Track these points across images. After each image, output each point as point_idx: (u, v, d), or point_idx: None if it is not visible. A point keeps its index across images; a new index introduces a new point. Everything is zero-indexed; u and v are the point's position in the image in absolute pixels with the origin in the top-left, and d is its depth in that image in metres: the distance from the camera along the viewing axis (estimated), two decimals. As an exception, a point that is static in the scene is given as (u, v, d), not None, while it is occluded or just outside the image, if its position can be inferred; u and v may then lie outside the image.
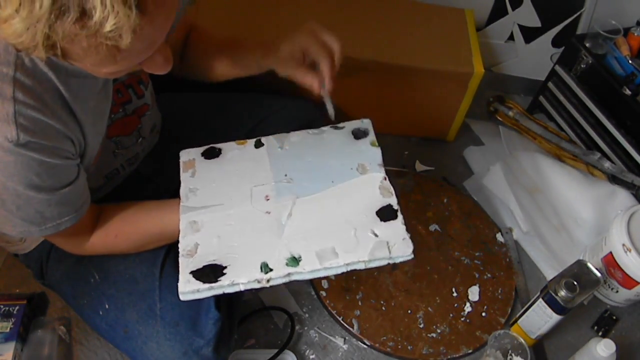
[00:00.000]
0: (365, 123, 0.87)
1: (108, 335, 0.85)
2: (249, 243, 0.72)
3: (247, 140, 0.85)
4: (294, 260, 0.70)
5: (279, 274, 0.69)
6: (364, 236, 0.72)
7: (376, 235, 0.72)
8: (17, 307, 0.95)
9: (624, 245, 1.04)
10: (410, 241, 0.72)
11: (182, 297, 0.68)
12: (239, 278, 0.68)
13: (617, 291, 1.12)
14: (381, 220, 0.74)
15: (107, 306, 0.82)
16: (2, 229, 0.68)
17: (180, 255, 0.71)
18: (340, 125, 0.87)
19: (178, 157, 0.85)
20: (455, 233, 1.26)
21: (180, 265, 0.70)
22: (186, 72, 0.94)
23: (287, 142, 0.84)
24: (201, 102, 1.08)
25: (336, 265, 0.70)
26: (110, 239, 0.79)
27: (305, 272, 0.69)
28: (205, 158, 0.83)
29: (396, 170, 1.37)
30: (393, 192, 0.77)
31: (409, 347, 1.05)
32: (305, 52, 0.80)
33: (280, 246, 0.71)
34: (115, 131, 0.81)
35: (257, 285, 0.69)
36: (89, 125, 0.70)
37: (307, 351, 1.04)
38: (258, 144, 0.84)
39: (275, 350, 1.00)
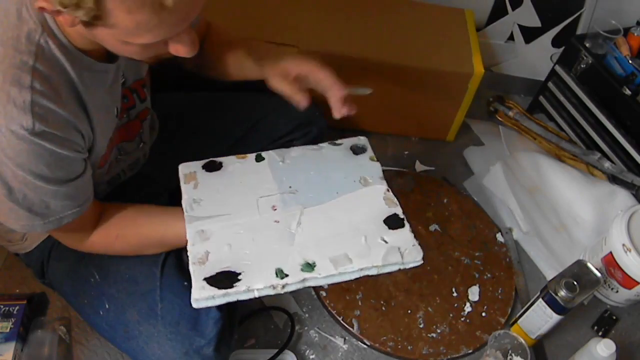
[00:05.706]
0: (362, 140, 0.89)
1: (108, 335, 0.85)
2: (261, 250, 0.72)
3: (248, 154, 0.86)
4: (309, 266, 0.70)
5: (295, 280, 0.69)
6: (374, 243, 0.74)
7: (386, 242, 0.74)
8: (17, 307, 0.95)
9: (624, 245, 1.04)
10: (419, 247, 0.74)
11: (195, 305, 0.67)
12: (255, 284, 0.68)
13: (617, 291, 1.12)
14: (389, 228, 0.76)
15: (107, 306, 0.82)
16: (6, 222, 0.69)
17: (190, 263, 0.70)
18: (338, 141, 0.89)
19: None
20: (455, 233, 1.26)
21: (192, 273, 0.69)
22: (201, 68, 0.94)
23: (288, 156, 0.85)
24: (199, 101, 1.08)
25: (350, 270, 0.71)
26: (111, 240, 0.79)
27: (320, 277, 0.70)
28: (207, 171, 0.83)
29: (396, 170, 1.37)
30: (397, 202, 0.80)
31: (409, 347, 1.05)
32: (302, 77, 0.82)
33: (293, 253, 0.71)
34: (119, 137, 0.82)
35: (272, 292, 0.69)
36: (97, 120, 0.70)
37: (307, 351, 1.04)
38: (259, 158, 0.85)
39: (275, 350, 1.00)
